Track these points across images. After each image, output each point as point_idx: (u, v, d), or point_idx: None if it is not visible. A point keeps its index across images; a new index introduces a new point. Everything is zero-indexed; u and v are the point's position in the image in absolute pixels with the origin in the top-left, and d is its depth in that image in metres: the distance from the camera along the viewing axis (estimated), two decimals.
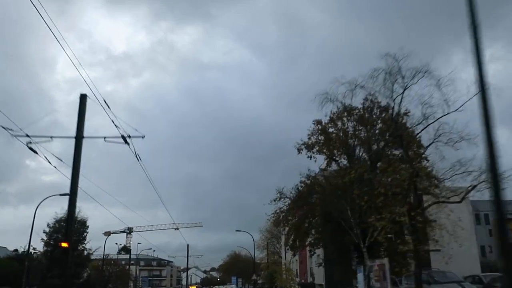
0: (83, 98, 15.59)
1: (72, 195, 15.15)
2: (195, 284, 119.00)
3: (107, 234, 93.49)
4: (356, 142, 25.23)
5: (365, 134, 24.64)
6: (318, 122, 26.26)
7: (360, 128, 25.04)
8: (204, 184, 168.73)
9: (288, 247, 33.24)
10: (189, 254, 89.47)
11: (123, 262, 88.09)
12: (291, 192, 27.04)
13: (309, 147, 26.57)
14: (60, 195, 38.31)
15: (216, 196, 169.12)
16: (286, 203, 27.36)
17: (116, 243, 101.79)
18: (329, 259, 32.94)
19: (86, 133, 15.78)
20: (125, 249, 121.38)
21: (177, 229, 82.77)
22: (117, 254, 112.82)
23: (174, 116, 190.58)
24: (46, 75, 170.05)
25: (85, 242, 45.57)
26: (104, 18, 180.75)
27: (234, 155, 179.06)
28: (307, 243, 29.87)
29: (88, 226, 46.67)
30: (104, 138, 15.65)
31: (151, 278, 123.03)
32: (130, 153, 16.41)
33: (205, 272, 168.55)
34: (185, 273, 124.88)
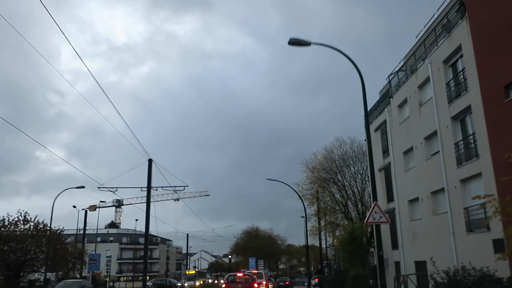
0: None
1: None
2: (194, 269, 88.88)
3: (92, 208, 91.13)
4: None
5: None
6: None
7: None
8: (210, 173, 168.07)
9: None
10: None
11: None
12: None
13: None
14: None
15: (223, 185, 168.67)
16: None
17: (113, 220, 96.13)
18: None
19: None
20: (114, 226, 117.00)
21: (178, 200, 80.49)
22: (106, 229, 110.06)
23: (178, 105, 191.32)
24: (50, 66, 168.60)
25: None
26: (104, 9, 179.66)
27: (239, 143, 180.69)
28: None
29: None
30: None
31: (132, 261, 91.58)
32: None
33: (214, 257, 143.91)
34: (189, 258, 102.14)
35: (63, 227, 46.63)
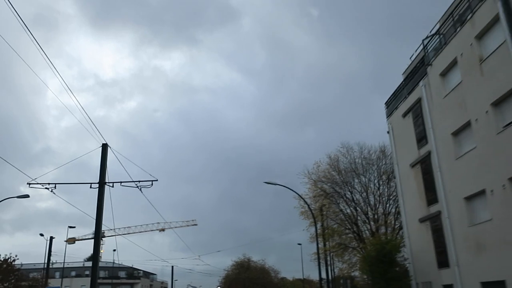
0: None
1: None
2: None
3: (71, 241, 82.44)
4: None
5: None
6: None
7: None
8: (199, 207, 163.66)
9: None
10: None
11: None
12: None
13: None
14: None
15: (212, 218, 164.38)
16: None
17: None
18: None
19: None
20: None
21: (163, 230, 72.16)
22: (83, 263, 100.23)
23: (165, 139, 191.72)
24: (36, 101, 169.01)
25: None
26: (91, 45, 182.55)
27: (228, 177, 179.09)
28: None
29: None
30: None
31: None
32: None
33: None
34: None
35: (20, 262, 40.03)
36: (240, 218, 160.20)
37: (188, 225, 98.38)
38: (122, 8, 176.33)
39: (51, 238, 49.07)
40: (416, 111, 22.33)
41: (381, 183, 37.49)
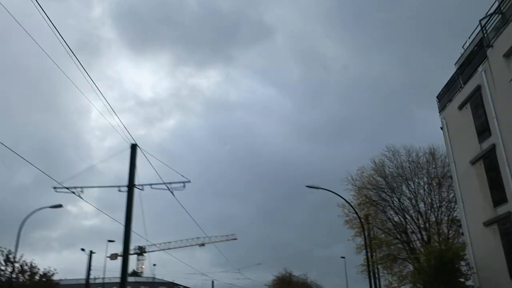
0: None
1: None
2: None
3: (113, 257, 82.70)
4: None
5: None
6: None
7: None
8: (236, 222, 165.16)
9: None
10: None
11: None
12: None
13: None
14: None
15: (250, 234, 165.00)
16: None
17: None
18: None
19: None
20: (135, 275, 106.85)
21: (203, 245, 71.41)
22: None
23: (201, 155, 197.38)
24: (81, 123, 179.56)
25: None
26: (131, 68, 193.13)
27: (263, 192, 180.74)
28: None
29: None
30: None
31: None
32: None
33: None
34: None
35: (60, 277, 39.52)
36: (278, 232, 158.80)
37: (228, 240, 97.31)
38: (158, 30, 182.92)
39: (91, 252, 48.99)
40: (475, 100, 19.91)
41: (432, 188, 34.68)
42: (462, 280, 18.89)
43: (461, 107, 21.14)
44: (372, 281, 36.03)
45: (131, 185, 15.64)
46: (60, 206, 24.82)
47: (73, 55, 10.53)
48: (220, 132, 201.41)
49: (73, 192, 15.63)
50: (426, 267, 19.22)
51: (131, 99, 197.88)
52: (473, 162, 20.17)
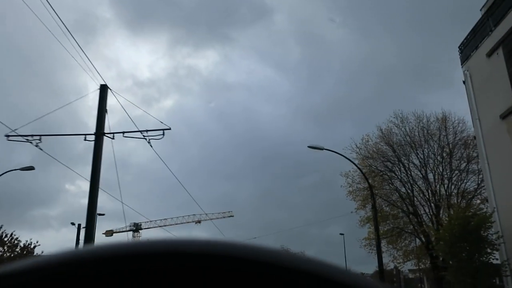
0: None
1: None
2: None
3: (109, 233, 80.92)
4: None
5: None
6: None
7: None
8: (238, 204, 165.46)
9: None
10: None
11: None
12: None
13: None
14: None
15: (251, 215, 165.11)
16: None
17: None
18: None
19: None
20: None
21: (199, 222, 69.44)
22: None
23: (203, 138, 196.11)
24: (79, 103, 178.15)
25: None
26: (128, 47, 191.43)
27: (264, 173, 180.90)
28: None
29: None
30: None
31: None
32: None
33: None
34: None
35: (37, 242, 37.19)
36: (279, 214, 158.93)
37: (224, 217, 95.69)
38: (156, 10, 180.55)
39: (79, 225, 46.81)
40: (509, 44, 17.01)
41: (443, 157, 32.03)
42: (489, 250, 16.29)
43: (490, 53, 18.21)
44: (377, 256, 33.89)
45: (99, 133, 12.82)
46: (32, 168, 22.20)
47: (69, 34, 9.01)
48: (220, 114, 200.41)
49: (29, 141, 12.79)
50: (447, 236, 16.63)
51: (129, 78, 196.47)
52: (504, 116, 17.38)
